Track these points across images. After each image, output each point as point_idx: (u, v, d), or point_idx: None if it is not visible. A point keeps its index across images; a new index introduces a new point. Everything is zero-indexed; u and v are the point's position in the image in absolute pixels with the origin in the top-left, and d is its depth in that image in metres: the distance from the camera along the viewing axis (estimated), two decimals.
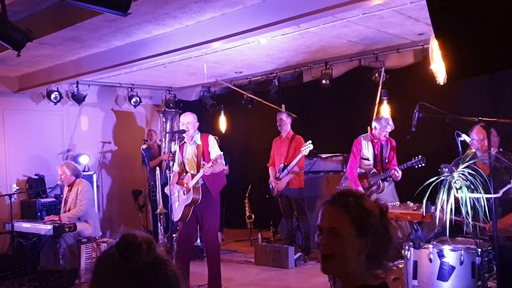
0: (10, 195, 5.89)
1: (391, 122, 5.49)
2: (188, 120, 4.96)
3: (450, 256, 3.17)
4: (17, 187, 6.89)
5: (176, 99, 8.81)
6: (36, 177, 7.23)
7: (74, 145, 7.96)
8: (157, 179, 6.85)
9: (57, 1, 4.13)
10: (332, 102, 7.28)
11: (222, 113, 8.34)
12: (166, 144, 7.29)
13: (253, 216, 7.34)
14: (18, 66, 6.48)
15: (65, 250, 5.63)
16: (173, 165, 5.21)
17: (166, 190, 5.41)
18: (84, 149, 7.93)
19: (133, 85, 8.35)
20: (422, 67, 5.67)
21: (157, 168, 7.47)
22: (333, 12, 4.22)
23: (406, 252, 3.32)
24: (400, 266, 3.64)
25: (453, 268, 3.14)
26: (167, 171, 5.00)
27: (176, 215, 4.95)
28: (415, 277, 3.25)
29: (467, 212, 2.93)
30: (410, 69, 6.38)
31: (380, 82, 6.42)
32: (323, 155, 6.83)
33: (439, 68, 3.36)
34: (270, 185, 6.55)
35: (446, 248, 3.19)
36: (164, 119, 7.46)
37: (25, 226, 5.89)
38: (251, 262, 6.33)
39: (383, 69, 6.42)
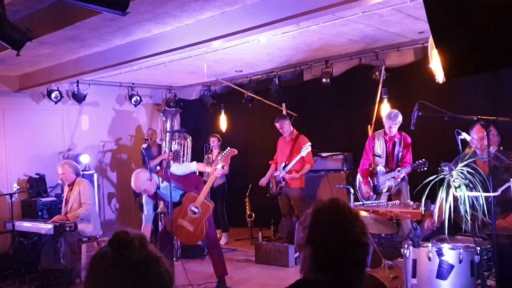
0: (11, 195, 5.90)
1: (399, 117, 5.38)
2: None
3: (449, 254, 3.17)
4: (18, 187, 6.90)
5: (177, 98, 8.82)
6: (36, 176, 7.24)
7: (75, 144, 7.97)
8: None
9: (56, 1, 4.13)
10: (332, 101, 7.28)
11: (223, 112, 8.34)
12: (166, 143, 7.29)
13: (253, 215, 7.34)
14: (18, 65, 6.49)
15: (66, 249, 5.63)
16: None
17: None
18: (84, 148, 7.95)
19: (133, 84, 8.36)
20: (423, 66, 5.66)
21: (157, 167, 7.47)
22: (333, 10, 4.21)
23: (405, 250, 3.31)
24: (399, 264, 3.64)
25: (452, 266, 3.14)
26: (168, 170, 5.00)
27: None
28: (414, 275, 3.25)
29: (465, 211, 2.93)
30: (411, 68, 6.38)
31: (381, 81, 6.41)
32: (324, 154, 6.83)
33: (438, 67, 3.35)
34: (270, 183, 6.55)
35: (445, 247, 3.19)
36: (164, 118, 7.46)
37: (26, 225, 5.90)
38: (252, 260, 6.34)
39: (383, 67, 6.41)
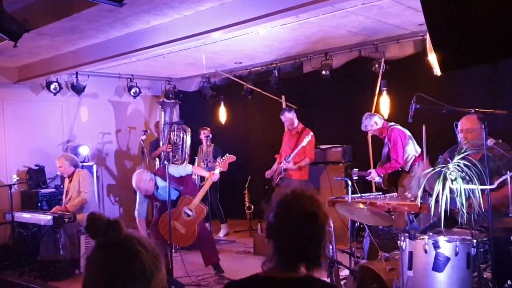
0: (10, 186, 5.91)
1: (366, 121, 5.51)
2: None
3: (445, 247, 3.17)
4: (17, 178, 6.91)
5: (176, 89, 8.80)
6: (36, 167, 7.25)
7: (74, 135, 7.97)
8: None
9: None
10: (332, 93, 7.26)
11: (222, 104, 8.33)
12: (165, 135, 7.28)
13: (252, 207, 7.36)
14: (17, 56, 6.47)
15: (65, 240, 5.67)
16: (173, 156, 5.30)
17: None
18: (84, 139, 7.95)
19: (132, 75, 8.34)
20: (422, 58, 5.65)
21: (157, 159, 7.48)
22: (332, 2, 4.20)
23: (402, 243, 3.32)
24: (396, 257, 3.65)
25: (448, 259, 3.15)
26: (166, 162, 5.01)
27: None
28: (410, 267, 3.26)
29: (462, 203, 2.93)
30: (410, 60, 6.35)
31: (380, 73, 6.39)
32: (323, 146, 6.82)
33: (435, 59, 3.33)
34: (273, 176, 6.57)
35: (441, 239, 3.19)
36: (163, 110, 7.45)
37: (25, 216, 5.93)
38: (250, 252, 6.36)
39: (383, 59, 6.39)
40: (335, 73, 6.94)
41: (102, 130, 8.37)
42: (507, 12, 1.39)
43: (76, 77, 7.53)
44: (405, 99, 5.07)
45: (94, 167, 7.56)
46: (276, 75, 7.49)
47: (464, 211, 2.96)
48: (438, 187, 2.98)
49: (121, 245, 1.20)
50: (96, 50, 5.98)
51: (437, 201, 3.13)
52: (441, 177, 2.97)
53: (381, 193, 4.97)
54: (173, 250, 5.15)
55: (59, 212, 5.75)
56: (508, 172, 3.05)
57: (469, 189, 2.94)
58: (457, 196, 2.95)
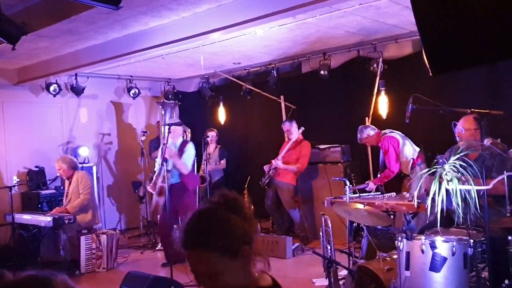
0: (10, 187, 5.93)
1: (360, 134, 5.66)
2: None
3: (442, 247, 3.18)
4: (18, 179, 6.93)
5: (175, 90, 8.82)
6: (36, 169, 7.27)
7: (74, 137, 7.99)
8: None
9: None
10: (330, 93, 7.27)
11: (221, 104, 8.34)
12: (165, 135, 7.27)
13: (252, 207, 7.35)
14: (16, 58, 6.49)
15: (65, 242, 5.69)
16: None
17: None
18: (83, 141, 7.97)
19: (131, 76, 8.35)
20: (421, 58, 5.59)
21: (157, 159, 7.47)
22: (330, 2, 4.20)
23: (399, 243, 3.33)
24: (394, 257, 3.66)
25: (445, 259, 3.16)
26: (164, 163, 5.02)
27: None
28: (407, 268, 3.27)
29: (457, 204, 2.94)
30: (409, 60, 6.35)
31: (378, 73, 6.40)
32: (321, 146, 6.83)
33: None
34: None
35: (438, 239, 3.20)
36: (163, 111, 7.46)
37: (26, 217, 5.95)
38: None
39: (381, 59, 6.39)
40: (334, 73, 6.94)
41: (101, 131, 8.39)
42: (501, 13, 1.39)
43: (76, 78, 7.55)
44: (404, 98, 5.09)
45: (94, 168, 7.58)
46: (275, 75, 7.50)
47: (460, 212, 2.97)
48: (434, 187, 2.99)
49: None
50: (95, 52, 5.99)
51: (433, 200, 3.14)
52: (437, 177, 2.99)
53: (379, 193, 4.98)
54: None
55: (59, 213, 5.77)
56: (499, 172, 3.05)
57: (465, 189, 2.95)
58: (453, 197, 2.96)
